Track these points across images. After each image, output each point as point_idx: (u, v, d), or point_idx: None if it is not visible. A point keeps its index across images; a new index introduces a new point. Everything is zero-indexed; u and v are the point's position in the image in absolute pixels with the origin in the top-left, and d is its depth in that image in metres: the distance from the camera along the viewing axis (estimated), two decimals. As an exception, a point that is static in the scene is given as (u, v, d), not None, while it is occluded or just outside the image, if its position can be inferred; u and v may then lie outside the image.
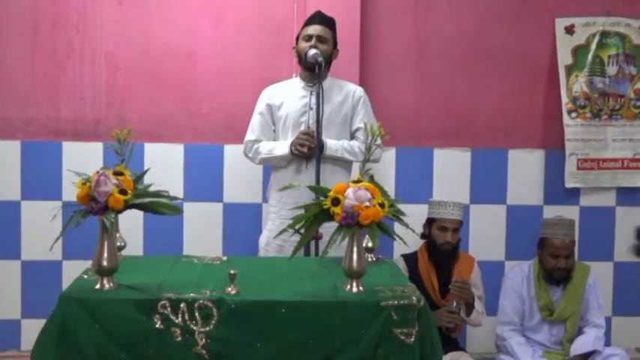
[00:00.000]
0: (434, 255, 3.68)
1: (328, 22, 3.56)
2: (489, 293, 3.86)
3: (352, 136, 3.62)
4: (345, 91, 3.61)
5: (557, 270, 3.64)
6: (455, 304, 3.49)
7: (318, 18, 3.56)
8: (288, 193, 3.48)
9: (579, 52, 4.21)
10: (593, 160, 4.24)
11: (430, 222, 3.75)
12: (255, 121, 3.63)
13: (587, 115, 4.21)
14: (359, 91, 3.65)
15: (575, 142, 4.21)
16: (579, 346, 3.63)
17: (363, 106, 3.61)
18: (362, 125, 3.51)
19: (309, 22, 3.57)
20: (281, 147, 3.53)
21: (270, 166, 3.70)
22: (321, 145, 3.42)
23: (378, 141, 2.52)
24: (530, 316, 3.74)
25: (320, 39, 3.49)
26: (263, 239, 3.64)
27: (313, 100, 3.47)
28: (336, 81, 3.62)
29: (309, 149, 3.42)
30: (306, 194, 3.10)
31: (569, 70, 4.20)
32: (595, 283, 3.77)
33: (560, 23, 4.20)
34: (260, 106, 3.64)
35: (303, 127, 3.52)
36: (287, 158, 3.53)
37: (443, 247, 3.66)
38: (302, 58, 3.51)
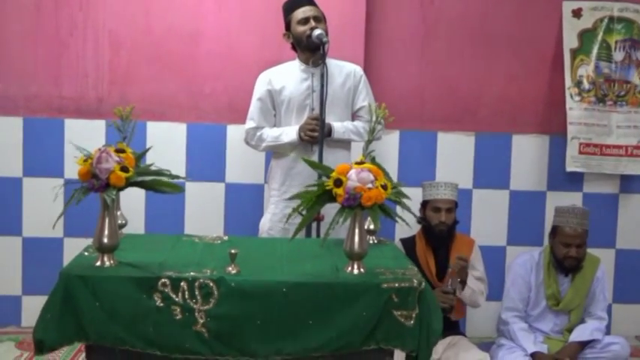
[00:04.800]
0: (430, 237, 3.68)
1: (313, 1, 3.51)
2: (490, 279, 3.84)
3: (354, 116, 3.59)
4: (346, 72, 3.56)
5: (567, 259, 3.61)
6: (449, 284, 3.49)
7: None
8: (293, 177, 3.49)
9: (585, 36, 4.16)
10: (596, 145, 4.20)
11: (424, 205, 3.74)
12: (255, 107, 3.56)
13: (592, 99, 4.17)
14: (359, 70, 3.62)
15: (578, 126, 4.17)
16: (578, 334, 3.62)
17: (364, 85, 3.59)
18: (365, 104, 3.51)
19: (295, 5, 3.47)
20: (288, 134, 3.47)
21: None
22: (328, 129, 3.40)
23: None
24: (535, 304, 3.72)
25: (316, 19, 3.44)
26: (266, 223, 3.59)
27: (315, 82, 3.43)
28: (332, 61, 3.53)
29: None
30: (311, 178, 3.11)
31: (575, 53, 4.16)
32: (603, 275, 3.74)
33: (568, 6, 4.16)
34: (259, 91, 3.57)
35: (307, 110, 3.49)
36: (295, 144, 3.47)
37: (438, 228, 3.65)
38: (302, 41, 3.45)
